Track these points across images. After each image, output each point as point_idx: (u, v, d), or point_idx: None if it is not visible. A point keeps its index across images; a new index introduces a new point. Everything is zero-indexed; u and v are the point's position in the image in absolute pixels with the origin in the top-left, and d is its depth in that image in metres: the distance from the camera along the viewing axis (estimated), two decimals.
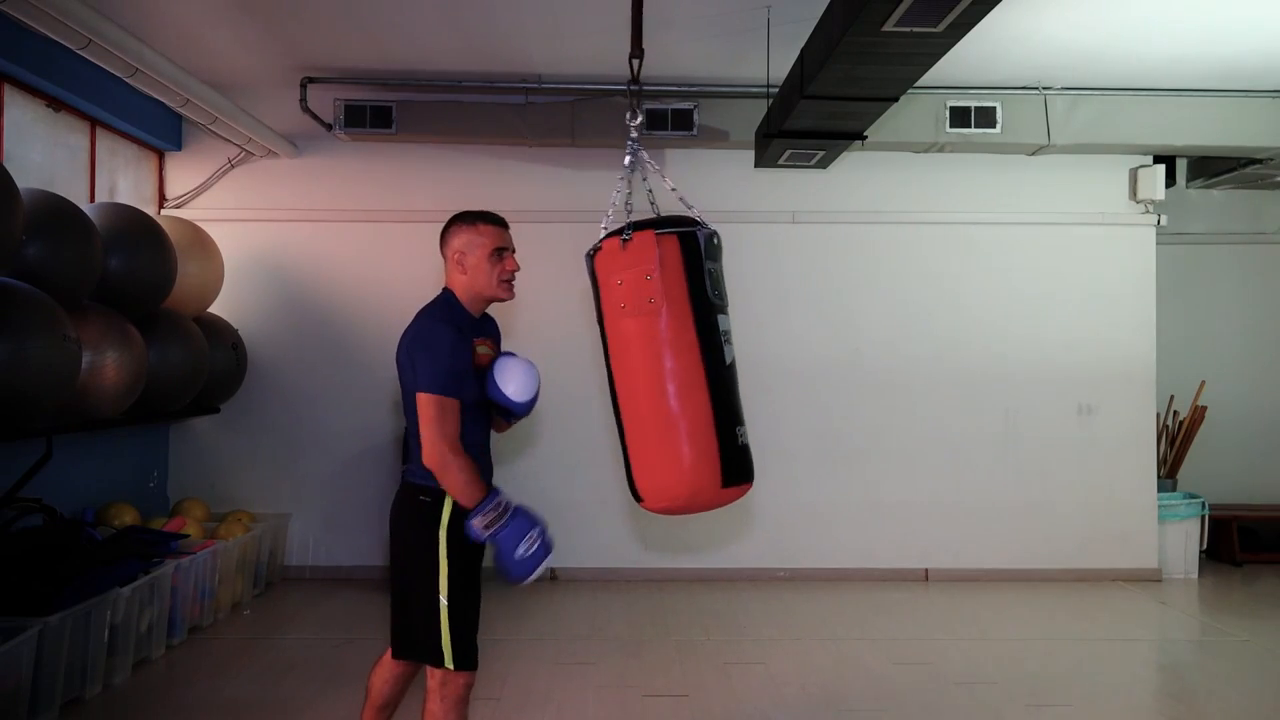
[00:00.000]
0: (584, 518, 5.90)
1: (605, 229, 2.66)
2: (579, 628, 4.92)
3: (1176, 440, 6.39)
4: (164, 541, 4.48)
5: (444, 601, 2.48)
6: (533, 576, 2.49)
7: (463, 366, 2.48)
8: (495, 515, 2.44)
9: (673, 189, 2.84)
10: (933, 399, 6.03)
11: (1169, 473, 6.35)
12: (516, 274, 2.62)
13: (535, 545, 2.48)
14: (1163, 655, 4.85)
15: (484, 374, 2.57)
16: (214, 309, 5.68)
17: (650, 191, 2.85)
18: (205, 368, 5.18)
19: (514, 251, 2.64)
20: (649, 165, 2.89)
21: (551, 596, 5.53)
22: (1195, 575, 6.10)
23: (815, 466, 5.98)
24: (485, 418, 2.63)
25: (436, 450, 2.41)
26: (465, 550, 2.53)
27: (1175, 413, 6.45)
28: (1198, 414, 6.34)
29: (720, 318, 2.56)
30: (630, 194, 2.80)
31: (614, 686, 4.00)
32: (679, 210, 2.76)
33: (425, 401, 2.43)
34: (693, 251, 2.52)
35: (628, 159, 2.87)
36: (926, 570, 6.01)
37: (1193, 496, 6.22)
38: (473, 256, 2.57)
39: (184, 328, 5.05)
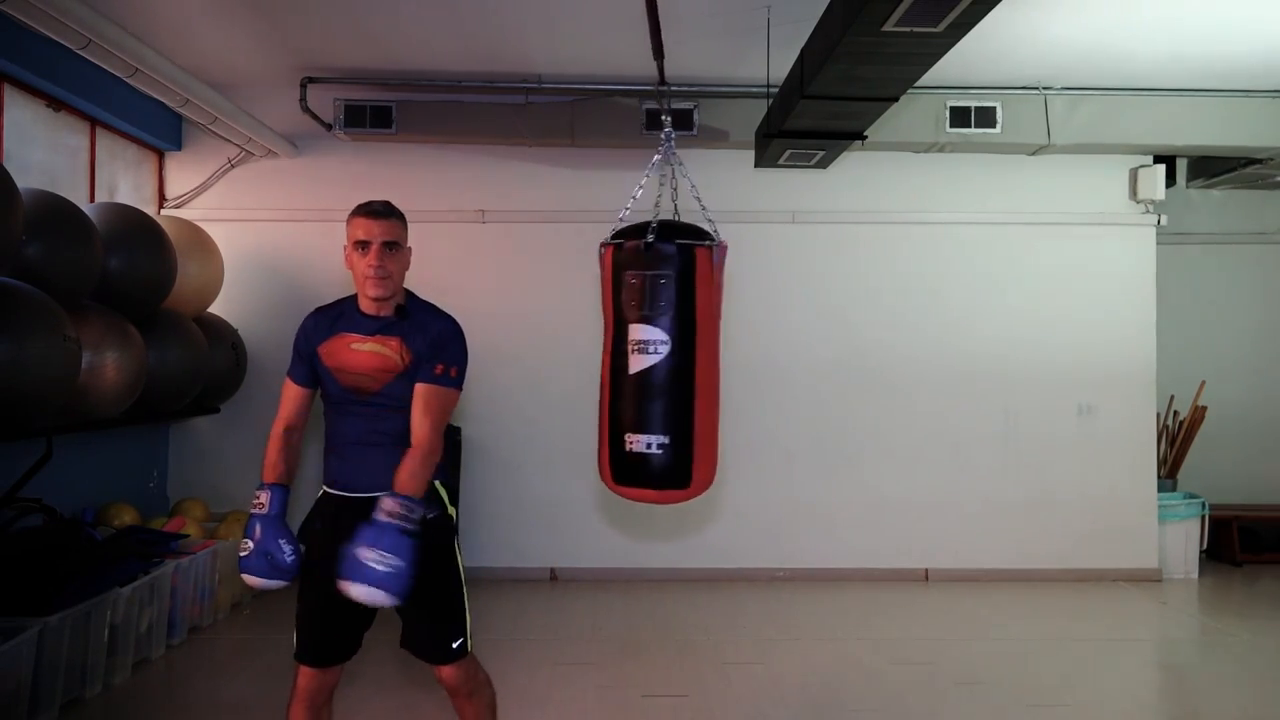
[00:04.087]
0: (583, 517, 5.90)
1: (623, 220, 2.80)
2: (579, 628, 4.91)
3: (1176, 440, 6.38)
4: (164, 541, 4.48)
5: (465, 590, 2.54)
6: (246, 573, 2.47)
7: (298, 351, 2.58)
8: (253, 504, 2.44)
9: (692, 188, 2.89)
10: (933, 398, 6.03)
11: (1169, 473, 6.34)
12: (380, 270, 2.42)
13: (249, 551, 2.43)
14: (1163, 655, 4.85)
15: (344, 371, 2.48)
16: (214, 309, 5.68)
17: (674, 191, 2.89)
18: (205, 368, 5.18)
19: (396, 246, 2.46)
20: (677, 166, 2.93)
21: (551, 596, 5.53)
22: (1195, 575, 6.10)
23: (815, 466, 5.97)
24: (339, 410, 2.53)
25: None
26: (454, 531, 2.54)
27: (1175, 413, 6.44)
28: (1198, 414, 6.33)
29: (634, 328, 2.60)
30: (640, 194, 2.90)
31: (614, 686, 4.00)
32: (696, 210, 2.85)
33: None
34: (617, 263, 2.65)
35: (656, 158, 2.94)
36: (926, 570, 6.01)
37: (1193, 496, 6.22)
38: (346, 249, 2.49)
39: (184, 328, 5.05)
